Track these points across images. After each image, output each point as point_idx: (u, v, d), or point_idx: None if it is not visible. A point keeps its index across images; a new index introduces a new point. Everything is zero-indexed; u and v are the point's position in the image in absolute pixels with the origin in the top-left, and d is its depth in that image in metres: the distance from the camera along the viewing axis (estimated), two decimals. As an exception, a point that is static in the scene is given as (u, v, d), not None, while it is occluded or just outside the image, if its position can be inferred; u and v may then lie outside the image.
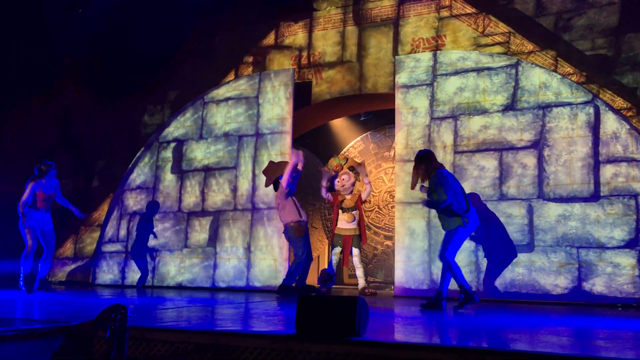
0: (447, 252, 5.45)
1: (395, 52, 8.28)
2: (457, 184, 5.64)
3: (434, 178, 5.44)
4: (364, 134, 10.04)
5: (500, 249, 6.88)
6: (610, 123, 6.65)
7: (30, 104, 10.78)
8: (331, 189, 7.97)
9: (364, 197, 7.87)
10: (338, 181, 7.85)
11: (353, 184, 7.85)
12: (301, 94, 8.69)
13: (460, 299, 5.46)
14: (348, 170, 7.93)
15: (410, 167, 7.52)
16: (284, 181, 6.91)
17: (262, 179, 8.33)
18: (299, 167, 6.99)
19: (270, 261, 8.06)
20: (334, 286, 7.42)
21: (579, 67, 7.17)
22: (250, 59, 9.26)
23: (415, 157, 5.75)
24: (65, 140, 10.53)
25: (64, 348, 3.26)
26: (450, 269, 5.44)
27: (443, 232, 7.16)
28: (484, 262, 6.93)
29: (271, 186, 8.38)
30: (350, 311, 3.00)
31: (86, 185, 10.00)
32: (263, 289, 7.99)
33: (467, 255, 7.01)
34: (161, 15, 9.55)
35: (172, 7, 9.50)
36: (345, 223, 7.72)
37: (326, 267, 9.59)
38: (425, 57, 7.75)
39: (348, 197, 7.79)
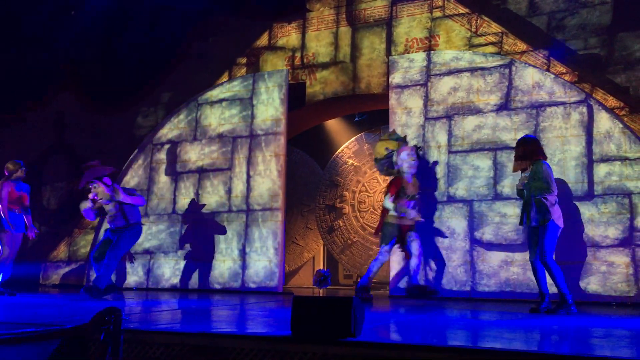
0: (546, 255, 5.14)
1: (388, 52, 8.29)
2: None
3: (540, 166, 5.23)
4: (359, 135, 10.04)
5: (495, 248, 6.89)
6: (604, 122, 6.68)
7: (25, 109, 10.75)
8: (390, 166, 6.51)
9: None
10: (408, 154, 6.38)
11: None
12: (295, 94, 8.69)
13: (547, 306, 5.15)
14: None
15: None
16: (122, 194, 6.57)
17: (257, 180, 8.34)
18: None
19: (266, 262, 8.05)
20: (329, 287, 7.42)
21: (572, 66, 7.19)
22: (244, 60, 9.25)
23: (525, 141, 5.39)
24: (60, 143, 10.49)
25: (59, 351, 3.25)
26: (550, 271, 5.13)
27: (436, 233, 7.20)
28: (478, 261, 6.94)
29: (266, 188, 8.38)
30: (346, 312, 3.00)
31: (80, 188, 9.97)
32: (258, 291, 7.98)
33: (461, 255, 7.02)
34: (155, 17, 9.53)
35: (166, 9, 9.48)
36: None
37: (322, 267, 9.59)
38: (419, 57, 7.77)
39: (410, 182, 6.41)
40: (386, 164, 6.56)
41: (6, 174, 7.10)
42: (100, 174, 6.58)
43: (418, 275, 6.42)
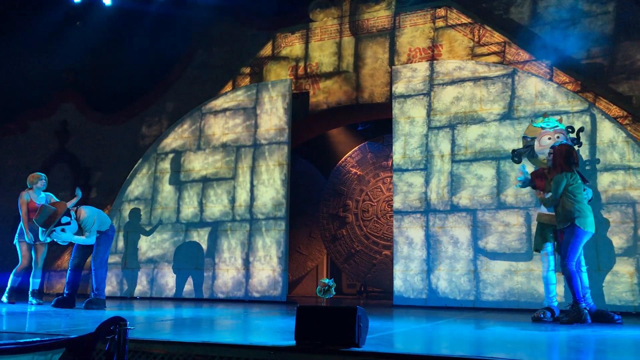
0: (567, 260, 4.97)
1: (391, 62, 8.32)
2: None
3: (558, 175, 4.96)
4: (362, 144, 10.06)
5: (499, 257, 6.88)
6: (607, 131, 6.68)
7: (28, 118, 10.81)
8: (532, 155, 5.45)
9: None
10: (550, 138, 5.28)
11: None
12: (298, 104, 8.72)
13: (569, 314, 5.00)
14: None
15: (407, 176, 7.56)
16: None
17: (261, 189, 8.35)
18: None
19: (269, 272, 8.05)
20: (333, 296, 7.40)
21: (575, 75, 7.21)
22: (248, 70, 9.30)
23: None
24: (63, 152, 10.54)
25: (63, 361, 3.25)
26: (569, 279, 4.96)
27: (441, 242, 7.20)
28: (482, 271, 6.93)
29: (270, 197, 8.41)
30: (350, 321, 3.00)
31: (84, 197, 9.99)
32: (262, 300, 7.97)
33: (465, 264, 7.01)
34: (159, 27, 9.59)
35: (170, 18, 9.54)
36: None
37: (325, 277, 9.58)
38: (422, 67, 7.79)
39: None
40: (526, 155, 5.41)
41: (28, 186, 7.22)
42: (52, 218, 6.11)
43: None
